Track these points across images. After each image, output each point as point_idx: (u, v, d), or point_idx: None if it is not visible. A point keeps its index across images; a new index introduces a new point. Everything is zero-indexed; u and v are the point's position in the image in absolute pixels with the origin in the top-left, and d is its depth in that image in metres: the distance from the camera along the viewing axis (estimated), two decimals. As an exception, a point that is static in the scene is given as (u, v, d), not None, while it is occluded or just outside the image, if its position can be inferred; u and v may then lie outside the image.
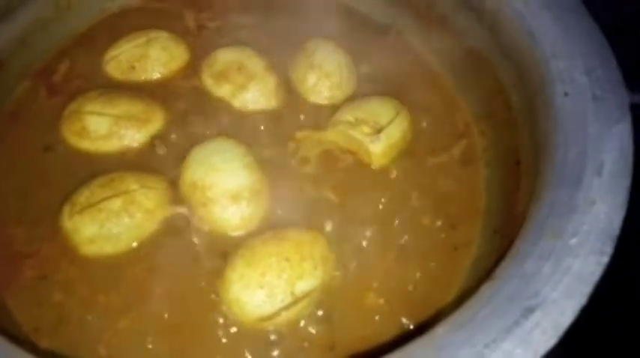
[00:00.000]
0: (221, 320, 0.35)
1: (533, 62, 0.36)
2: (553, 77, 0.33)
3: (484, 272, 0.33)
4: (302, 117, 0.45)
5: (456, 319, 0.26)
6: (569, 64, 0.33)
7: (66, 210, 0.37)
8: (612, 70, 0.32)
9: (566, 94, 0.32)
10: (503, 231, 0.37)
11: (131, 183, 0.38)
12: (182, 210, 0.39)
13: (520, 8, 0.37)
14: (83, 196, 0.38)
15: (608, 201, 0.27)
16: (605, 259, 0.25)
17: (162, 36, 0.47)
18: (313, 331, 0.35)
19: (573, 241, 0.26)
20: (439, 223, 0.40)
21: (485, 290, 0.26)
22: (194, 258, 0.37)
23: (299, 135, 0.43)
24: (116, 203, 0.37)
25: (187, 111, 0.44)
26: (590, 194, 0.28)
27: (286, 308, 0.35)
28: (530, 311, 0.24)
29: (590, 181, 0.28)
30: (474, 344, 0.24)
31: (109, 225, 0.37)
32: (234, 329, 0.34)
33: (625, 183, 0.28)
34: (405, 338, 0.26)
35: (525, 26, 0.37)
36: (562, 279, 0.25)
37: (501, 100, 0.42)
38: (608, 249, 0.26)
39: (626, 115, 0.30)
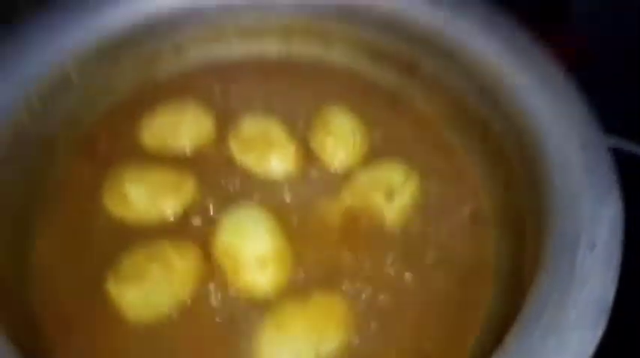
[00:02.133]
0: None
1: (531, 137, 0.40)
2: (550, 153, 0.37)
3: (497, 329, 0.36)
4: (321, 181, 0.49)
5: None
6: (564, 142, 0.37)
7: (111, 277, 0.41)
8: (602, 149, 0.36)
9: (561, 171, 0.36)
10: (513, 290, 0.40)
11: (168, 250, 0.42)
12: (214, 275, 0.42)
13: (517, 86, 0.41)
14: (127, 265, 0.41)
15: (601, 277, 0.30)
16: (600, 332, 0.29)
17: (193, 107, 0.51)
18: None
19: (572, 315, 0.29)
20: (452, 282, 0.44)
21: (495, 359, 0.29)
22: (226, 320, 0.41)
23: (319, 203, 0.47)
24: (157, 271, 0.41)
25: (217, 178, 0.48)
26: (584, 269, 0.31)
27: (314, 368, 0.38)
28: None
29: (584, 257, 0.31)
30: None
31: (150, 292, 0.40)
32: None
33: (616, 260, 0.31)
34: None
35: (522, 103, 0.41)
36: (564, 352, 0.28)
37: (505, 167, 0.45)
38: (603, 322, 0.29)
39: (617, 194, 0.34)
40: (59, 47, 0.44)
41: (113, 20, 0.47)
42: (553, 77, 0.41)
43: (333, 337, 0.38)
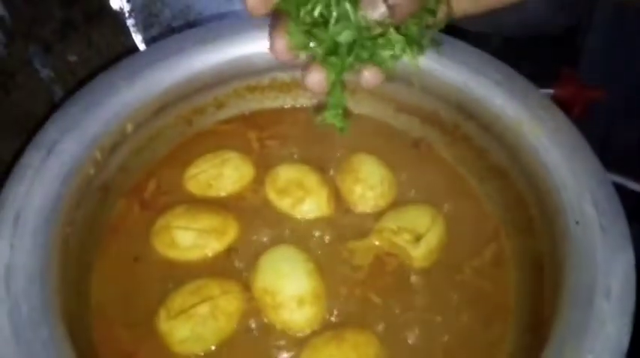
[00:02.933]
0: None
1: (547, 190, 0.43)
2: (565, 206, 0.41)
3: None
4: (351, 225, 0.53)
5: None
6: (578, 196, 0.40)
7: (162, 314, 0.45)
8: (615, 203, 0.39)
9: (577, 223, 0.39)
10: (533, 331, 0.43)
11: (214, 289, 0.46)
12: (255, 312, 0.46)
13: (534, 143, 0.45)
14: (176, 302, 0.45)
15: (617, 323, 0.33)
16: (617, 374, 0.32)
17: (233, 156, 0.56)
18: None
19: (589, 358, 0.32)
20: (476, 321, 0.47)
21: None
22: (266, 355, 0.44)
23: (350, 244, 0.50)
24: (204, 308, 0.45)
25: (256, 222, 0.52)
26: (600, 316, 0.34)
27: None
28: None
29: (601, 304, 0.34)
30: None
31: (197, 328, 0.44)
32: None
33: (630, 306, 0.34)
34: None
35: (539, 159, 0.44)
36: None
37: (523, 212, 0.49)
38: (619, 365, 0.32)
39: (629, 244, 0.37)
40: (119, 106, 0.49)
41: (163, 79, 0.52)
42: (568, 134, 0.45)
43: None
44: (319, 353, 0.43)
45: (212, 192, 0.54)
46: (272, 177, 0.55)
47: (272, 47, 0.36)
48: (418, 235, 0.50)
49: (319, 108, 0.41)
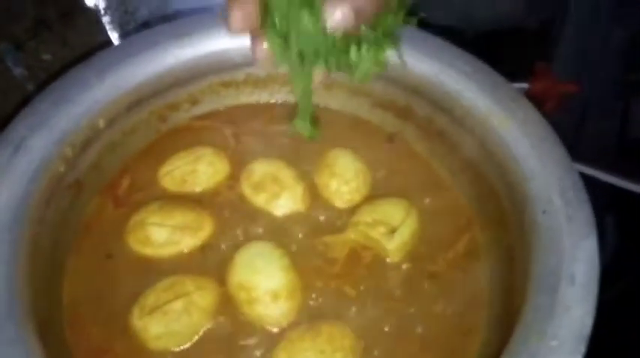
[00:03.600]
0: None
1: (516, 181, 0.44)
2: (533, 197, 0.41)
3: (492, 356, 0.40)
4: (326, 219, 0.53)
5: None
6: (546, 186, 0.41)
7: (136, 311, 0.45)
8: (580, 191, 0.40)
9: (544, 212, 0.40)
10: (505, 320, 0.44)
11: (188, 285, 0.46)
12: (230, 307, 0.46)
13: (504, 135, 0.46)
14: (150, 299, 0.45)
15: (581, 307, 0.34)
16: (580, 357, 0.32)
17: (208, 152, 0.56)
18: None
19: (554, 343, 0.33)
20: (449, 311, 0.47)
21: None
22: (241, 351, 0.44)
23: (326, 238, 0.51)
24: (178, 305, 0.45)
25: (231, 217, 0.52)
26: (565, 301, 0.35)
27: (323, 394, 0.41)
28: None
29: (565, 289, 0.35)
30: None
31: (172, 324, 0.44)
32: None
33: (593, 291, 0.35)
34: None
35: (508, 150, 0.45)
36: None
37: (495, 204, 0.49)
38: (582, 348, 0.33)
39: (593, 232, 0.38)
40: (90, 101, 0.49)
41: (138, 75, 0.52)
42: (535, 125, 0.46)
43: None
44: (294, 347, 0.43)
45: (187, 188, 0.54)
46: (247, 173, 0.55)
47: (254, 55, 0.36)
48: (392, 228, 0.50)
49: (291, 115, 0.42)
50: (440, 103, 0.52)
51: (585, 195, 0.40)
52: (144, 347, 0.44)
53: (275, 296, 0.45)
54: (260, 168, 0.55)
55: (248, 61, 0.57)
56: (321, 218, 0.53)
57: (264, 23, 0.35)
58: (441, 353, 0.45)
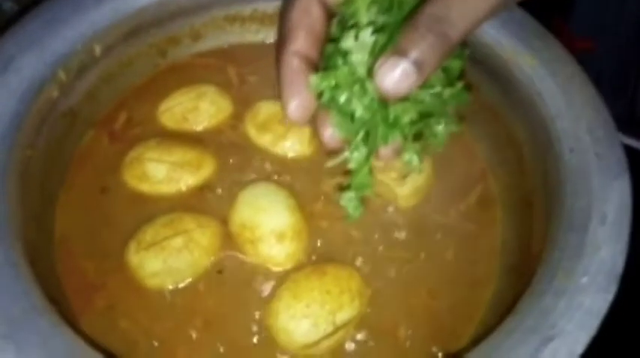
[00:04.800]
0: (271, 349, 0.39)
1: (541, 120, 0.41)
2: (559, 135, 0.39)
3: (502, 307, 0.38)
4: (332, 161, 0.50)
5: (484, 348, 0.31)
6: (573, 124, 0.39)
7: (132, 246, 0.42)
8: (611, 130, 0.38)
9: (571, 151, 0.38)
10: (520, 269, 0.42)
11: (189, 222, 0.43)
12: (232, 247, 0.44)
13: (529, 73, 0.43)
14: (148, 234, 0.42)
15: (612, 247, 0.32)
16: (611, 297, 0.30)
17: (210, 90, 0.52)
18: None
19: (584, 280, 0.31)
20: (461, 260, 0.45)
21: (509, 322, 0.31)
22: (243, 291, 0.42)
23: (333, 181, 0.48)
24: (177, 241, 0.42)
25: (234, 157, 0.49)
26: (595, 240, 0.32)
27: (328, 336, 0.39)
28: (549, 340, 0.29)
29: (595, 229, 0.33)
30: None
31: (170, 260, 0.41)
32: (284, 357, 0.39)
33: (625, 231, 0.33)
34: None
35: (534, 89, 0.42)
36: (575, 314, 0.30)
37: (513, 151, 0.47)
38: (613, 288, 0.31)
39: (625, 171, 0.35)
40: (86, 25, 0.45)
41: (137, 1, 0.48)
42: (563, 63, 0.43)
43: (349, 307, 0.40)
44: (299, 287, 0.41)
45: (187, 126, 0.51)
46: (252, 113, 0.51)
47: (323, 141, 0.35)
48: (405, 174, 0.48)
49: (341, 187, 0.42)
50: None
51: (616, 134, 0.38)
52: (139, 284, 0.42)
53: (280, 237, 0.43)
54: (266, 108, 0.52)
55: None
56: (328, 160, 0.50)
57: (324, 102, 0.33)
58: (451, 302, 0.43)
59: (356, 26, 0.32)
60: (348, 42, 0.31)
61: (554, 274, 0.32)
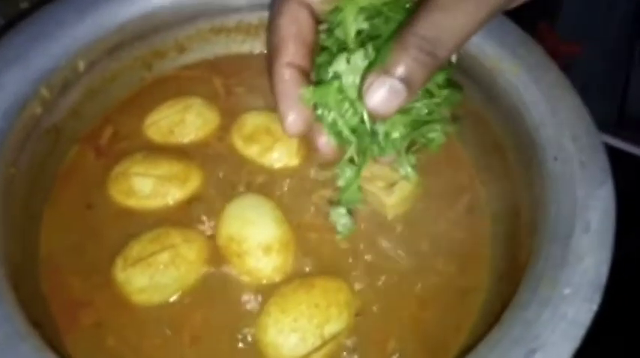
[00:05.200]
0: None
1: (525, 128, 0.41)
2: (543, 143, 0.39)
3: (492, 315, 0.38)
4: (322, 172, 0.50)
5: (469, 360, 0.31)
6: (557, 132, 0.39)
7: (119, 263, 0.42)
8: (594, 137, 0.38)
9: (555, 159, 0.38)
10: (509, 277, 0.42)
11: (175, 237, 0.43)
12: (219, 261, 0.43)
13: (513, 81, 0.43)
14: (134, 250, 0.42)
15: (595, 256, 0.32)
16: (595, 307, 0.30)
17: (197, 102, 0.52)
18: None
19: (567, 291, 0.31)
20: (450, 269, 0.45)
21: (495, 333, 0.31)
22: (231, 305, 0.42)
23: (320, 192, 0.48)
24: (164, 256, 0.42)
25: (221, 169, 0.49)
26: (579, 249, 0.32)
27: (316, 350, 0.39)
28: (533, 352, 0.29)
29: (579, 238, 0.33)
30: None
31: (157, 276, 0.41)
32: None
33: (609, 239, 0.33)
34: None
35: (517, 96, 0.42)
36: (559, 324, 0.29)
37: (499, 157, 0.47)
38: (597, 298, 0.31)
39: (609, 178, 0.35)
40: (69, 40, 0.45)
41: (120, 15, 0.48)
42: (546, 71, 0.43)
43: (337, 320, 0.39)
44: (287, 300, 0.40)
45: (174, 139, 0.51)
46: (239, 124, 0.51)
47: (319, 150, 0.36)
48: (392, 182, 0.48)
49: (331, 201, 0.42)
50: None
51: (600, 142, 0.38)
52: (127, 300, 0.41)
53: (267, 249, 0.43)
54: (253, 119, 0.51)
55: (239, 6, 0.54)
56: (317, 172, 0.50)
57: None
58: (440, 312, 0.43)
59: (347, 49, 0.31)
60: (340, 65, 0.31)
61: (538, 284, 0.32)
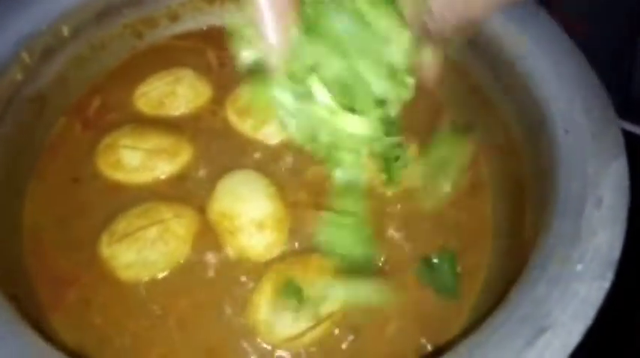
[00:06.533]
0: (251, 343, 0.38)
1: (533, 102, 0.39)
2: (553, 116, 0.37)
3: (494, 294, 0.36)
4: (319, 148, 0.48)
5: (474, 339, 0.29)
6: (568, 104, 0.37)
7: (105, 238, 0.40)
8: (608, 110, 0.36)
9: (566, 132, 0.36)
10: (511, 255, 0.40)
11: (164, 212, 0.41)
12: (211, 236, 0.42)
13: (521, 52, 0.41)
14: (121, 225, 0.40)
15: (608, 232, 0.30)
16: (607, 284, 0.28)
17: (189, 74, 0.50)
18: (337, 350, 0.38)
19: (579, 268, 0.29)
20: (451, 247, 0.43)
21: (501, 312, 0.29)
22: (223, 282, 0.40)
23: (316, 168, 0.46)
24: (152, 231, 0.40)
25: (213, 144, 0.47)
26: (591, 225, 0.31)
27: (311, 328, 0.37)
28: (542, 331, 0.27)
29: (591, 214, 0.31)
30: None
31: (145, 252, 0.39)
32: (265, 350, 0.37)
33: (622, 215, 0.31)
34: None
35: (525, 69, 0.40)
36: (570, 303, 0.28)
37: (503, 134, 0.45)
38: (610, 275, 0.29)
39: (622, 153, 0.34)
40: (51, 4, 0.42)
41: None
42: (556, 42, 0.41)
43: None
44: (282, 277, 0.39)
45: (164, 111, 0.48)
46: (233, 97, 0.49)
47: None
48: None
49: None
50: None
51: (614, 114, 0.36)
52: (113, 276, 0.39)
53: (260, 226, 0.41)
54: (247, 93, 0.49)
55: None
56: (313, 148, 0.48)
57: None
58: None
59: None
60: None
61: (548, 261, 0.30)
